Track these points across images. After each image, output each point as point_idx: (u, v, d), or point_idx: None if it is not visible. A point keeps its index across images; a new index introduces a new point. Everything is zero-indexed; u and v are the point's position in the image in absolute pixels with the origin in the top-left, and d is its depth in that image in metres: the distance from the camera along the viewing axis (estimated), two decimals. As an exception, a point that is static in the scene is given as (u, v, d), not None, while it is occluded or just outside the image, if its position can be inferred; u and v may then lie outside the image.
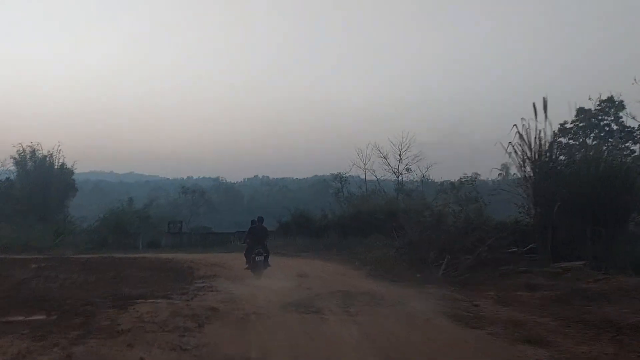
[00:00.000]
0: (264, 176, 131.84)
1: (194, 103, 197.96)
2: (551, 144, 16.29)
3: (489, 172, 41.02)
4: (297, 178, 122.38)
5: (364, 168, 35.97)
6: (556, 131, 47.54)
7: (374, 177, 36.75)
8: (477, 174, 36.37)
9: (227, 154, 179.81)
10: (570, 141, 45.40)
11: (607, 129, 45.69)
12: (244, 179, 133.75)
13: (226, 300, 10.85)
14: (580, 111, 44.79)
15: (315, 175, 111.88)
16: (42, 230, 35.47)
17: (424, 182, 36.32)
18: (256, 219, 16.92)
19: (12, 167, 43.75)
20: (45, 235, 34.53)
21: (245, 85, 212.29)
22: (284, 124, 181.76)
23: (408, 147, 34.38)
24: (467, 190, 33.69)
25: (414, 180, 35.56)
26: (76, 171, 47.03)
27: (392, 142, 35.42)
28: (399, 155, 35.63)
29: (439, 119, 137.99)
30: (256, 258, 15.33)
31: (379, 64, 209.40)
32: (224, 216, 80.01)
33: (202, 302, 10.47)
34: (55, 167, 44.73)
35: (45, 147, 43.98)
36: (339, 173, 38.49)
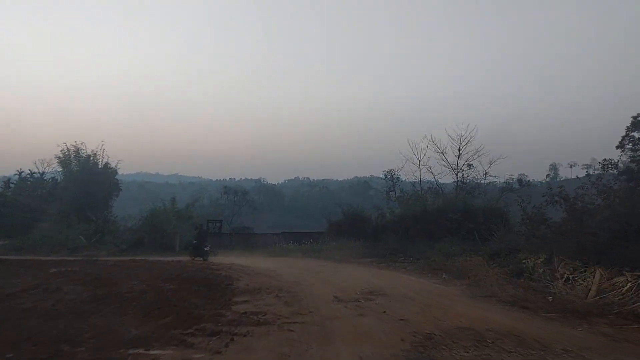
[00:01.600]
0: (304, 177, 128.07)
1: (237, 106, 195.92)
2: None
3: (535, 172, 35.21)
4: (337, 180, 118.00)
5: (419, 164, 30.64)
6: (628, 125, 41.81)
7: (431, 174, 31.44)
8: (523, 174, 30.78)
9: (268, 156, 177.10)
10: (645, 135, 39.60)
11: (686, 122, 39.50)
12: (285, 180, 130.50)
13: (288, 344, 6.32)
14: (657, 103, 38.88)
15: (356, 177, 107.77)
16: (82, 230, 33.14)
17: (487, 179, 30.90)
18: (200, 225, 22.14)
19: (58, 168, 41.95)
20: (84, 235, 31.67)
21: (289, 89, 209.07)
22: (325, 126, 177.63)
23: (469, 141, 29.03)
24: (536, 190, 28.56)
25: (476, 177, 30.10)
26: (123, 172, 45.32)
27: (450, 136, 30.10)
28: (459, 150, 30.23)
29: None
30: (205, 249, 21.19)
31: (419, 64, 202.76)
32: (266, 216, 76.69)
33: (246, 356, 5.90)
34: (99, 166, 42.50)
35: (89, 147, 41.98)
36: (390, 170, 33.46)
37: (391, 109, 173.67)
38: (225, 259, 21.96)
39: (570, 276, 10.14)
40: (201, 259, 20.79)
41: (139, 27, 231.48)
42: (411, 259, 19.15)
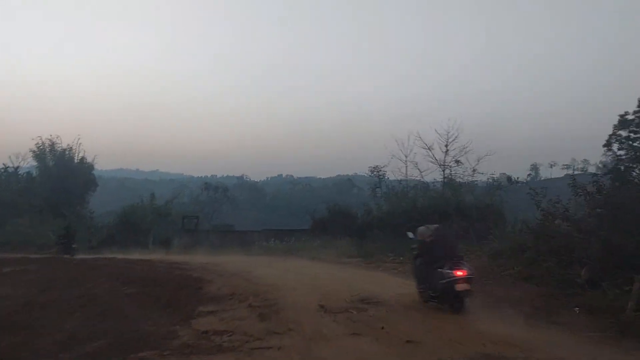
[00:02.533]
0: (287, 175, 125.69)
1: (219, 102, 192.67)
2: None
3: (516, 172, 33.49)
4: (320, 177, 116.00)
5: (405, 161, 28.89)
6: (616, 123, 40.63)
7: (417, 171, 29.66)
8: (504, 173, 29.46)
9: (251, 153, 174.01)
10: (630, 134, 38.46)
11: (673, 121, 38.30)
12: (268, 178, 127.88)
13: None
14: (644, 100, 37.79)
15: (339, 175, 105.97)
16: (54, 227, 30.60)
17: (474, 176, 29.20)
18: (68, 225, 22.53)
19: (34, 162, 40.41)
20: (55, 231, 29.54)
21: (271, 85, 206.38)
22: (308, 124, 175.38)
23: (456, 137, 27.39)
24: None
25: (464, 174, 28.39)
26: (102, 168, 44.21)
27: (437, 132, 28.30)
28: (446, 146, 28.54)
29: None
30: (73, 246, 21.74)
31: (403, 61, 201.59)
32: (247, 214, 74.36)
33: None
34: (75, 161, 41.02)
35: (66, 141, 40.55)
36: (376, 166, 31.56)
37: (376, 106, 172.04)
38: (201, 258, 19.96)
39: (603, 284, 8.34)
40: (68, 256, 20.44)
41: (123, 24, 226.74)
42: (401, 258, 17.30)
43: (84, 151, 40.84)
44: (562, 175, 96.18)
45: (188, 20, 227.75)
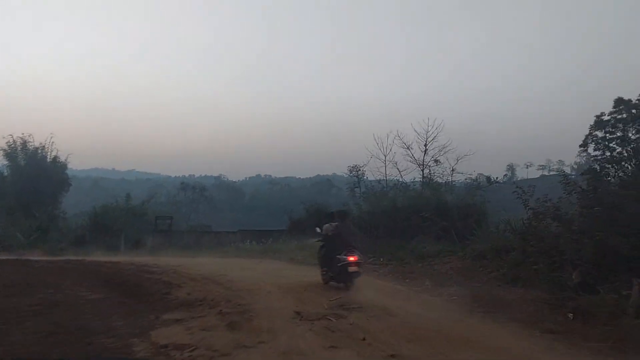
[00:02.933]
0: (266, 175, 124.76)
1: (197, 101, 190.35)
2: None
3: (493, 172, 33.12)
4: (299, 177, 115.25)
5: (385, 160, 28.37)
6: (592, 124, 40.80)
7: (397, 170, 29.13)
8: (482, 174, 29.13)
9: (229, 153, 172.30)
10: (607, 135, 38.60)
11: (648, 122, 38.49)
12: (246, 178, 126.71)
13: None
14: (619, 102, 37.90)
15: (318, 175, 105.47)
16: (23, 227, 30.13)
17: (453, 176, 28.79)
18: None
19: (4, 161, 38.72)
20: (24, 232, 29.21)
21: (249, 84, 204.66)
22: (287, 124, 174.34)
23: (435, 136, 26.96)
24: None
25: (444, 173, 27.95)
26: (76, 168, 42.89)
27: (416, 131, 27.79)
28: (425, 145, 28.10)
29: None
30: None
31: (384, 60, 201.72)
32: (225, 214, 73.34)
33: None
34: (48, 160, 39.39)
35: (38, 139, 39.02)
36: (355, 165, 31.00)
37: (356, 107, 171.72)
38: (173, 260, 19.06)
39: (600, 288, 7.78)
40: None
41: (99, 22, 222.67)
42: (381, 260, 16.70)
43: (57, 150, 39.41)
44: (537, 175, 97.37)
45: (165, 20, 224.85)
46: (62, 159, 39.86)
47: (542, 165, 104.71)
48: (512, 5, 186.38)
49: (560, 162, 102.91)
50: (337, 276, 10.76)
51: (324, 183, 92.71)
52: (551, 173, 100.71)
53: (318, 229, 12.66)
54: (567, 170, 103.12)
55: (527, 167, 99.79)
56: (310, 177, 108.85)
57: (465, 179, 26.98)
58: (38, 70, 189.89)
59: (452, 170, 26.94)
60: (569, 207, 10.64)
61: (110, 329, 7.23)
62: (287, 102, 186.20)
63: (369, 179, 30.17)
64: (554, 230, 10.10)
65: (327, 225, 11.99)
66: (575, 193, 10.51)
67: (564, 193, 10.89)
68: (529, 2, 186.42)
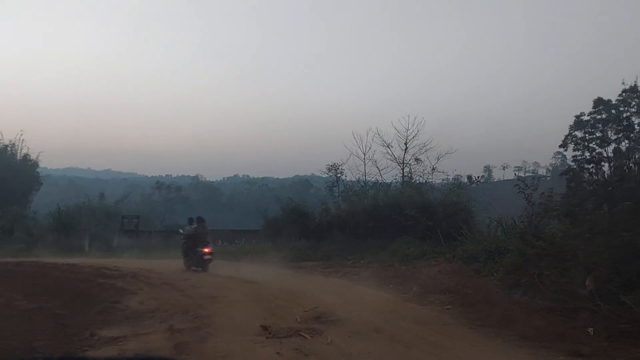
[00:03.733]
0: (244, 175, 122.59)
1: (174, 101, 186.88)
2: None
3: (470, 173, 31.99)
4: (277, 178, 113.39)
5: (364, 158, 27.02)
6: (571, 124, 40.08)
7: (376, 169, 27.81)
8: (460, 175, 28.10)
9: (207, 152, 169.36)
10: (586, 135, 37.93)
11: (626, 122, 37.82)
12: (224, 178, 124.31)
13: None
14: (599, 102, 37.26)
15: (297, 175, 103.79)
16: None
17: (434, 175, 27.57)
18: None
19: None
20: None
21: (228, 84, 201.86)
22: (266, 124, 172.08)
23: (416, 134, 25.74)
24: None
25: (424, 172, 26.73)
26: (52, 167, 40.40)
27: (396, 129, 26.55)
28: (405, 143, 26.83)
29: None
30: None
31: (365, 63, 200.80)
32: (202, 214, 71.02)
33: None
34: (18, 157, 37.14)
35: (8, 137, 36.74)
36: (334, 164, 29.52)
37: (336, 107, 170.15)
38: (136, 262, 17.41)
39: (626, 298, 6.44)
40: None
41: (76, 18, 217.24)
42: (362, 262, 15.31)
43: (28, 148, 37.24)
44: (512, 177, 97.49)
45: (143, 18, 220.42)
46: (33, 157, 37.71)
47: (518, 167, 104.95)
48: (493, 8, 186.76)
49: (536, 163, 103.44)
50: (196, 262, 14.74)
51: (303, 183, 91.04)
52: (527, 174, 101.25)
53: (181, 230, 17.00)
54: (542, 172, 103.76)
55: (503, 169, 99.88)
56: (288, 177, 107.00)
57: (444, 179, 25.88)
58: (12, 69, 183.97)
59: (433, 169, 25.77)
60: (574, 204, 9.34)
61: (28, 351, 5.70)
62: (266, 102, 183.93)
63: (348, 178, 28.72)
64: (563, 230, 8.76)
65: (187, 227, 16.17)
66: (591, 185, 9.21)
67: (570, 184, 9.61)
68: (509, 5, 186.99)
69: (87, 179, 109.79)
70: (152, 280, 12.45)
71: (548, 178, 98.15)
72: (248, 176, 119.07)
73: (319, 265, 15.47)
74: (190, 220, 16.39)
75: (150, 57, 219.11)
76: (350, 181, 27.30)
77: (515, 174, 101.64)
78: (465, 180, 27.02)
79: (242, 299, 9.40)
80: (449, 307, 8.31)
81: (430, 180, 26.37)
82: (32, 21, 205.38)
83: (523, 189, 10.28)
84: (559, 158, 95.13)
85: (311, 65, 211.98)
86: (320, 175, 32.23)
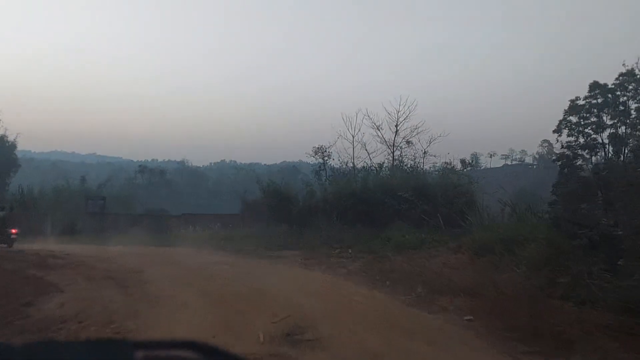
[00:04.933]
0: (231, 161, 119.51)
1: (162, 85, 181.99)
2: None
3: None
4: (265, 164, 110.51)
5: (352, 141, 24.65)
6: (566, 108, 37.98)
7: (365, 152, 25.47)
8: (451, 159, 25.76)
9: (194, 138, 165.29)
10: (581, 120, 35.92)
11: (623, 107, 35.73)
12: (211, 163, 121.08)
13: None
14: (595, 86, 35.18)
15: (284, 161, 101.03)
16: None
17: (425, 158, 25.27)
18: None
19: None
20: None
21: (215, 69, 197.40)
22: (253, 109, 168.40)
23: (407, 116, 23.39)
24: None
25: (415, 155, 24.45)
26: (36, 150, 38.23)
27: (387, 111, 24.20)
28: (396, 126, 24.46)
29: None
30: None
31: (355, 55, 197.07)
32: (186, 198, 68.47)
33: None
34: None
35: None
36: (321, 146, 27.05)
37: (324, 93, 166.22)
38: (92, 249, 14.98)
39: None
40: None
41: (62, 5, 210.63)
42: (350, 252, 12.97)
43: (5, 129, 34.68)
44: (500, 165, 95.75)
45: (128, 2, 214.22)
46: (11, 138, 35.04)
47: (505, 155, 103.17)
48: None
49: (523, 152, 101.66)
50: (5, 240, 16.37)
51: (290, 169, 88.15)
52: (513, 162, 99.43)
53: None
54: (529, 160, 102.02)
55: (490, 157, 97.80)
56: (276, 164, 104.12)
57: (434, 163, 23.64)
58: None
59: (425, 152, 23.41)
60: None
61: None
62: (253, 87, 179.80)
63: (335, 160, 26.31)
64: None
65: (1, 213, 17.66)
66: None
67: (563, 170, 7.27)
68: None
69: (72, 163, 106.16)
70: (95, 272, 10.01)
71: (534, 166, 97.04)
72: (235, 162, 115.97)
73: (300, 255, 13.05)
74: (2, 208, 18.45)
75: (136, 41, 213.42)
76: (339, 167, 25.04)
77: (504, 162, 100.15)
78: (459, 164, 24.85)
79: (194, 302, 7.00)
80: (470, 317, 5.99)
81: (422, 165, 24.13)
82: (15, 6, 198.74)
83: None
84: (545, 146, 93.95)
85: (298, 48, 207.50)
86: (308, 162, 29.88)
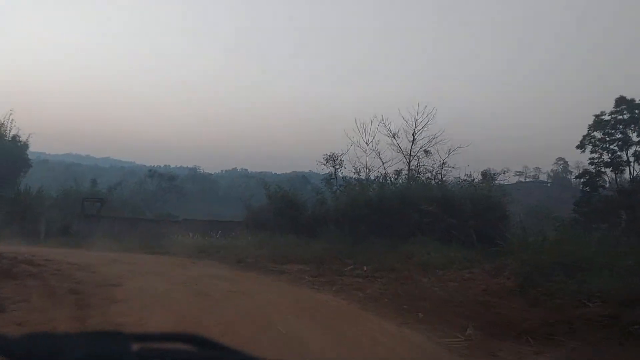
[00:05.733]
0: (242, 169, 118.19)
1: (178, 93, 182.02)
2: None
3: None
4: (275, 173, 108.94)
5: (366, 149, 22.78)
6: (590, 124, 35.67)
7: (379, 161, 23.56)
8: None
9: (207, 145, 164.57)
10: (606, 137, 33.66)
11: (649, 123, 33.55)
12: (222, 171, 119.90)
13: None
14: (621, 101, 33.00)
15: (294, 171, 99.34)
16: None
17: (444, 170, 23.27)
18: None
19: None
20: None
21: (232, 79, 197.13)
22: (267, 118, 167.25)
23: (425, 125, 21.52)
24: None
25: (434, 166, 22.47)
26: (50, 152, 36.86)
27: (404, 118, 22.35)
28: (413, 134, 22.54)
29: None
30: None
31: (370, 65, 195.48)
32: (196, 205, 66.85)
33: None
34: (6, 138, 32.75)
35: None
36: (333, 153, 25.13)
37: (336, 104, 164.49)
38: (77, 254, 13.14)
39: None
40: None
41: (78, 4, 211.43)
42: (366, 268, 10.98)
43: (18, 129, 33.10)
44: (514, 182, 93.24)
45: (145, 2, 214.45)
46: (23, 138, 33.21)
47: (519, 172, 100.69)
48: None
49: (537, 169, 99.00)
50: None
51: (300, 179, 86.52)
52: (527, 180, 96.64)
53: None
54: (543, 177, 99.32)
55: (504, 173, 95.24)
56: (286, 173, 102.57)
57: (457, 176, 21.65)
58: (16, 54, 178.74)
59: (443, 163, 21.40)
60: None
61: None
62: (266, 96, 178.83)
63: (348, 169, 24.39)
64: None
65: None
66: None
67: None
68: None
69: (86, 166, 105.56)
70: (64, 285, 8.13)
71: (549, 184, 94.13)
72: (246, 170, 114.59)
73: (307, 270, 11.03)
74: None
75: (150, 47, 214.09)
76: (350, 177, 23.15)
77: (517, 178, 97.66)
78: (479, 176, 22.80)
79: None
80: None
81: (440, 175, 22.13)
82: (36, 6, 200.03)
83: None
84: (561, 164, 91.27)
85: (312, 59, 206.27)
86: (318, 172, 28.05)
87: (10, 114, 32.41)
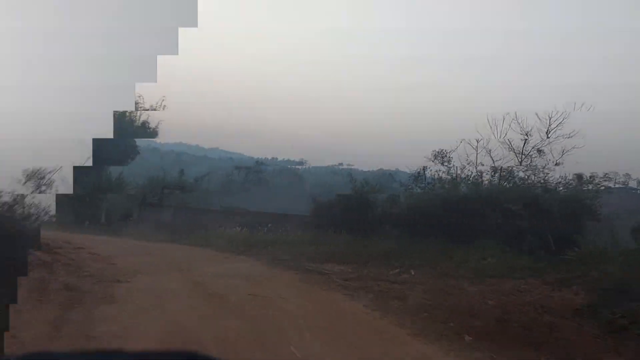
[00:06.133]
0: (332, 164, 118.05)
1: (298, 87, 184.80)
2: None
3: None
4: (362, 170, 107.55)
5: (476, 146, 21.36)
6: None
7: (490, 159, 22.01)
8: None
9: (313, 139, 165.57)
10: None
11: None
12: (313, 166, 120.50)
13: None
14: None
15: (381, 169, 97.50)
16: None
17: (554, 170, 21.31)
18: None
19: None
20: None
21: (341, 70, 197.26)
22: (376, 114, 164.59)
23: (560, 123, 19.62)
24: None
25: (546, 166, 20.59)
26: (161, 141, 40.17)
27: (537, 115, 20.65)
28: (547, 132, 20.77)
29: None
30: None
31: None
32: (280, 199, 67.74)
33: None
34: (136, 124, 33.11)
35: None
36: (442, 150, 23.44)
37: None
38: (107, 242, 13.23)
39: None
40: None
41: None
42: (413, 273, 9.59)
43: (148, 116, 32.07)
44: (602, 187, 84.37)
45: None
46: (152, 125, 32.39)
47: (608, 177, 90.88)
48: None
49: (627, 175, 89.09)
50: None
51: (386, 177, 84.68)
52: (616, 186, 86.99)
53: None
54: (633, 184, 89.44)
55: (608, 179, 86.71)
56: (372, 170, 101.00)
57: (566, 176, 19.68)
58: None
59: (557, 164, 19.35)
60: None
61: None
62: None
63: (456, 165, 23.07)
64: None
65: None
66: None
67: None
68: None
69: (194, 156, 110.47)
70: (68, 279, 7.92)
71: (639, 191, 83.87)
72: (336, 165, 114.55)
73: (347, 272, 9.87)
74: None
75: (278, 39, 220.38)
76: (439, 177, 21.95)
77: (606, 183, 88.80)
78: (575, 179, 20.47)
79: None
80: None
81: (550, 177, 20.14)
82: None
83: None
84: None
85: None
86: (405, 171, 26.75)
87: (163, 101, 32.30)
